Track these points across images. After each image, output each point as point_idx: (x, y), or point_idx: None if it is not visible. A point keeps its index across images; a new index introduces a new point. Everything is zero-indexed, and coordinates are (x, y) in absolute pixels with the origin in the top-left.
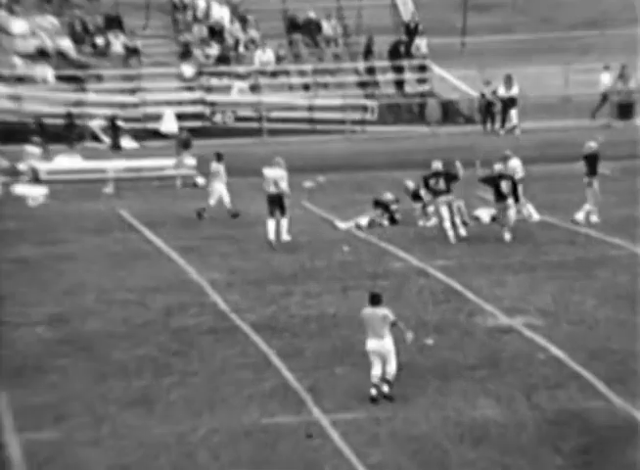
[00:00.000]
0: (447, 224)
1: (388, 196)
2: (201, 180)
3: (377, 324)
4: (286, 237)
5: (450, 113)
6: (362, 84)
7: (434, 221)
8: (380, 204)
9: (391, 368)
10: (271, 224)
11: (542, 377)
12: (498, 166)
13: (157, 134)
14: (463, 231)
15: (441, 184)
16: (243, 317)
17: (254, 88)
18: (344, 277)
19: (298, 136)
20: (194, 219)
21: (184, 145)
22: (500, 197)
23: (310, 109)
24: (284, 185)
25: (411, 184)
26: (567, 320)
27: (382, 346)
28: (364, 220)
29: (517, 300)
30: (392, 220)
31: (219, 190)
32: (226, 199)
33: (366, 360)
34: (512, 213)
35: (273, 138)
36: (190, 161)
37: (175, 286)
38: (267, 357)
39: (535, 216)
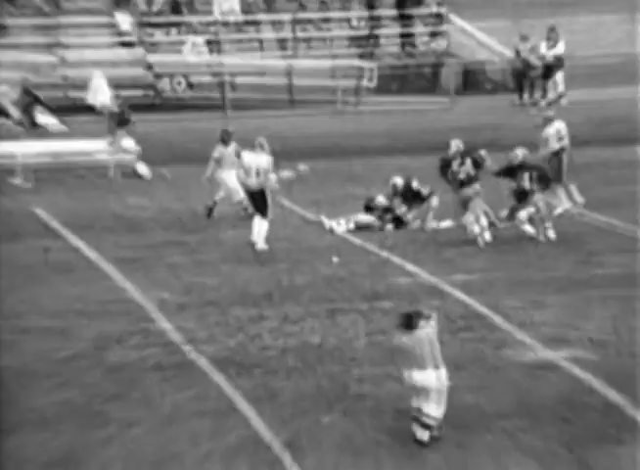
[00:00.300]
0: (476, 227)
1: (380, 200)
2: (144, 169)
3: (431, 347)
4: (262, 245)
5: (474, 79)
6: (357, 40)
7: (448, 223)
8: (371, 209)
9: (441, 410)
10: (257, 223)
11: (593, 428)
12: (520, 152)
13: (83, 107)
14: (488, 235)
15: (469, 168)
16: (200, 350)
17: (214, 46)
18: (333, 297)
19: (273, 110)
20: (135, 221)
21: (120, 122)
22: (522, 195)
23: (288, 74)
24: (271, 177)
25: (400, 182)
26: (626, 353)
27: (439, 376)
28: (365, 218)
29: (560, 326)
30: (399, 222)
31: (228, 181)
32: (236, 194)
33: (362, 405)
34: (542, 206)
35: (239, 113)
36: (128, 143)
37: (111, 309)
38: (232, 402)
39: (565, 205)
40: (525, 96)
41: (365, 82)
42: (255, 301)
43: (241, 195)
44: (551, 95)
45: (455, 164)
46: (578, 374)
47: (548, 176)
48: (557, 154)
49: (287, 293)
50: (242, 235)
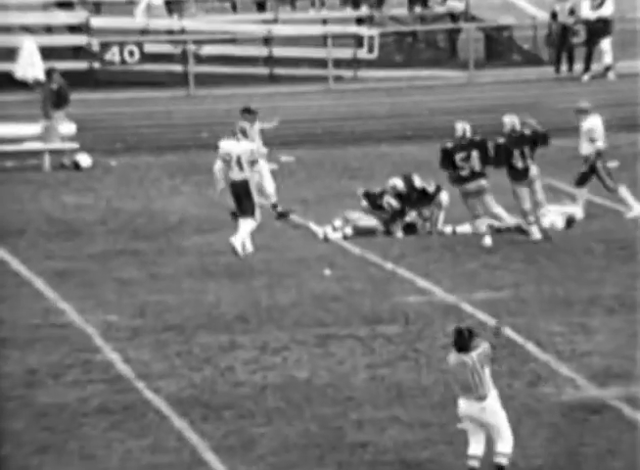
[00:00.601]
0: (482, 227)
1: (391, 201)
2: (85, 158)
3: (472, 374)
4: (240, 249)
5: (500, 47)
6: (354, 0)
7: (466, 227)
8: (378, 208)
9: (505, 445)
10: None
11: None
12: (509, 120)
13: (9, 81)
14: (489, 240)
15: (474, 163)
16: (156, 387)
17: (174, 6)
18: (325, 320)
19: (248, 87)
20: (75, 224)
21: (57, 101)
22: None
23: (267, 41)
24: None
25: (400, 183)
26: None
27: (482, 408)
28: (366, 221)
29: (611, 357)
30: (409, 228)
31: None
32: (268, 186)
33: (361, 456)
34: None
35: (206, 90)
36: (67, 126)
37: (44, 336)
38: (196, 453)
39: (579, 214)
40: (564, 68)
41: (364, 53)
42: (227, 325)
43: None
44: (596, 67)
45: (459, 158)
46: (633, 417)
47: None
48: (586, 159)
49: (266, 315)
50: (209, 242)
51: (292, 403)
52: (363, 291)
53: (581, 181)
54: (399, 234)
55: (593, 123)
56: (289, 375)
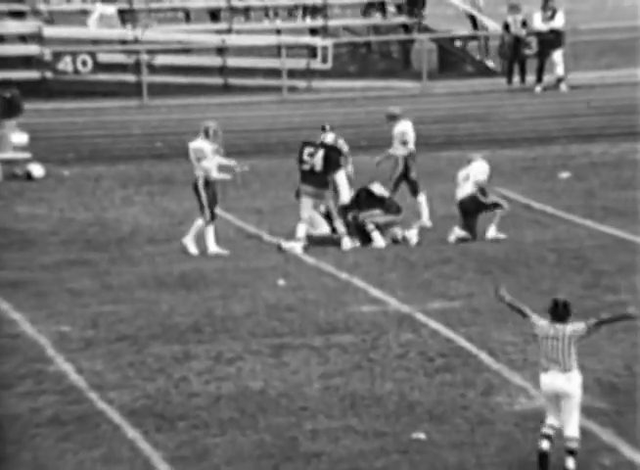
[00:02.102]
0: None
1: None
2: (38, 168)
3: (560, 348)
4: (193, 249)
5: (453, 58)
6: (308, 11)
7: (415, 231)
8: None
9: (574, 429)
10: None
11: None
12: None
13: None
14: (381, 240)
15: (315, 163)
16: (109, 398)
17: (128, 16)
18: (279, 330)
19: (202, 97)
20: (27, 234)
21: (8, 110)
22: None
23: (221, 51)
24: (204, 165)
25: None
26: None
27: (568, 378)
28: (323, 228)
29: None
30: (365, 236)
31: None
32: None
33: (315, 467)
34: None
35: (159, 100)
36: (19, 136)
37: None
38: (150, 464)
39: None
40: (516, 79)
41: (318, 63)
42: (181, 335)
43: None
44: (548, 79)
45: (306, 152)
46: (590, 427)
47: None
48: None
49: (220, 325)
50: (162, 252)
51: (246, 414)
52: (317, 301)
53: (395, 188)
54: (346, 240)
55: (405, 127)
56: (243, 385)
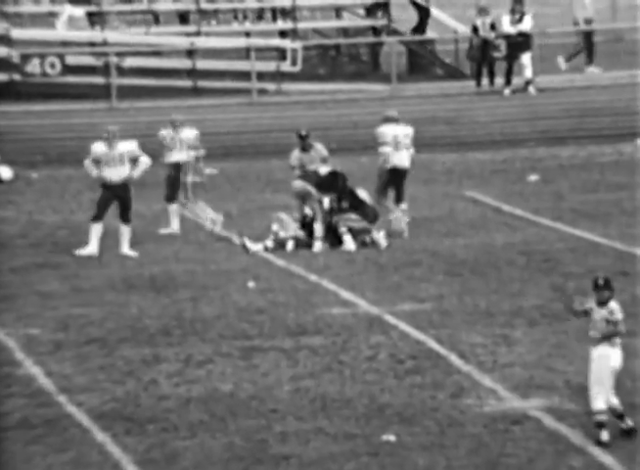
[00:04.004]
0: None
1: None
2: (6, 171)
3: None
4: (128, 251)
5: (422, 61)
6: (277, 14)
7: (382, 234)
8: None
9: (592, 395)
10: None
11: None
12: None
13: None
14: (351, 243)
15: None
16: (78, 401)
17: (97, 19)
18: (249, 333)
19: (171, 99)
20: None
21: None
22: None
23: (191, 54)
24: (142, 160)
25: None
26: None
27: (597, 352)
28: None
29: (533, 368)
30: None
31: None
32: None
33: (285, 469)
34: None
35: (128, 102)
36: None
37: None
38: (119, 467)
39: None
40: (485, 82)
41: (287, 66)
42: (150, 338)
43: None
44: (516, 81)
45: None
46: (558, 428)
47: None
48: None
49: (190, 328)
50: (132, 255)
51: (215, 416)
52: (287, 303)
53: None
54: (318, 244)
55: (191, 133)
56: (213, 388)
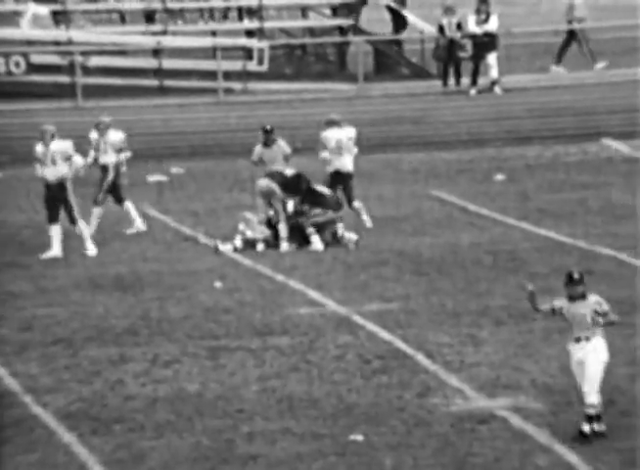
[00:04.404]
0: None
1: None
2: None
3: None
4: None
5: (388, 61)
6: (243, 13)
7: (353, 233)
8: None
9: (588, 393)
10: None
11: None
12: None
13: None
14: (319, 243)
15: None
16: (44, 402)
17: (61, 17)
18: (216, 333)
19: (137, 98)
20: None
21: None
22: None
23: (157, 53)
24: (75, 160)
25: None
26: (578, 400)
27: (583, 352)
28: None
29: (500, 367)
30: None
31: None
32: None
33: (251, 469)
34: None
35: (94, 101)
36: None
37: None
38: (85, 468)
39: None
40: (451, 82)
41: (254, 65)
42: (116, 337)
43: None
44: (482, 81)
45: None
46: (524, 428)
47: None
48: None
49: (157, 328)
50: (99, 254)
51: (182, 416)
52: (254, 303)
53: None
54: (285, 245)
55: (117, 135)
56: (179, 388)
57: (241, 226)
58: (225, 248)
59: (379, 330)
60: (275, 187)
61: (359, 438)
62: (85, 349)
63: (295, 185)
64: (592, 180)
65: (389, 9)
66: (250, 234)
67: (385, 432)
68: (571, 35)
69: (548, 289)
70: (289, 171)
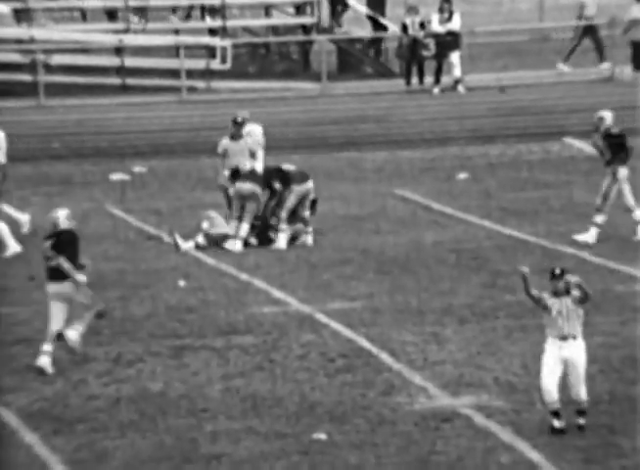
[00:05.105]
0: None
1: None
2: None
3: (566, 316)
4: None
5: (351, 60)
6: (206, 11)
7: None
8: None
9: (582, 390)
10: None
11: None
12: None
13: None
14: (310, 239)
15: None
16: (5, 402)
17: (23, 15)
18: (180, 332)
19: (100, 97)
20: None
21: None
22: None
23: (119, 51)
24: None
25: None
26: (540, 398)
27: (571, 350)
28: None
29: (463, 366)
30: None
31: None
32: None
33: (215, 469)
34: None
35: (56, 100)
36: None
37: None
38: (47, 468)
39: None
40: (414, 81)
41: (217, 64)
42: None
43: None
44: (445, 80)
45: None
46: (487, 425)
47: None
48: None
49: (120, 327)
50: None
51: (145, 416)
52: (218, 302)
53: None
54: (252, 240)
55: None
56: (143, 387)
57: (205, 225)
58: (187, 245)
59: (342, 329)
60: (258, 191)
61: (323, 436)
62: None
63: (268, 178)
64: (554, 179)
65: (370, 17)
66: (213, 232)
67: (348, 430)
68: (585, 33)
69: (510, 287)
70: (258, 166)
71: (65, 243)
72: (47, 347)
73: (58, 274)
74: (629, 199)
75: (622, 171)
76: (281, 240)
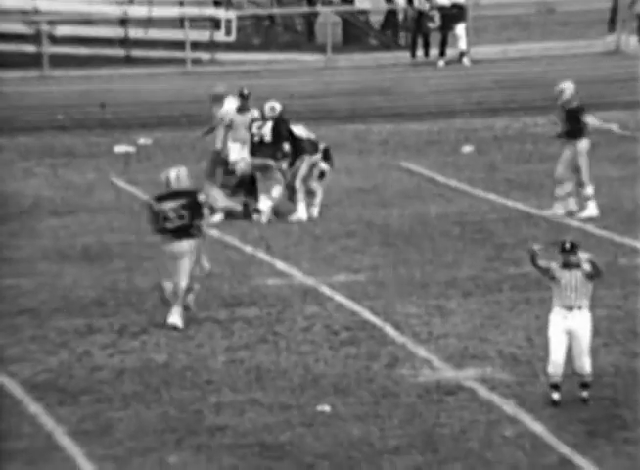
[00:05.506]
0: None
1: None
2: None
3: (574, 287)
4: None
5: (356, 32)
6: None
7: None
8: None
9: (586, 363)
10: None
11: (510, 466)
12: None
13: None
14: (316, 211)
15: (265, 134)
16: (11, 372)
17: None
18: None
19: (103, 68)
20: None
21: None
22: None
23: (123, 22)
24: None
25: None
26: (544, 371)
27: (576, 321)
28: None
29: (467, 338)
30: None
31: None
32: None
33: (220, 440)
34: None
35: (61, 71)
36: None
37: None
38: (52, 438)
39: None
40: (420, 53)
41: (222, 36)
42: (84, 308)
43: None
44: (451, 53)
45: (255, 126)
46: (491, 398)
47: None
48: None
49: (124, 298)
50: (65, 225)
51: (150, 387)
52: (222, 274)
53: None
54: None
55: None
56: (147, 359)
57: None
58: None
59: (346, 301)
60: (270, 162)
61: (327, 408)
62: (52, 320)
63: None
64: (559, 152)
65: None
66: (218, 205)
67: (352, 403)
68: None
69: (515, 260)
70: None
71: (199, 205)
72: (177, 307)
73: (182, 234)
74: (585, 173)
75: (584, 144)
76: (300, 210)
